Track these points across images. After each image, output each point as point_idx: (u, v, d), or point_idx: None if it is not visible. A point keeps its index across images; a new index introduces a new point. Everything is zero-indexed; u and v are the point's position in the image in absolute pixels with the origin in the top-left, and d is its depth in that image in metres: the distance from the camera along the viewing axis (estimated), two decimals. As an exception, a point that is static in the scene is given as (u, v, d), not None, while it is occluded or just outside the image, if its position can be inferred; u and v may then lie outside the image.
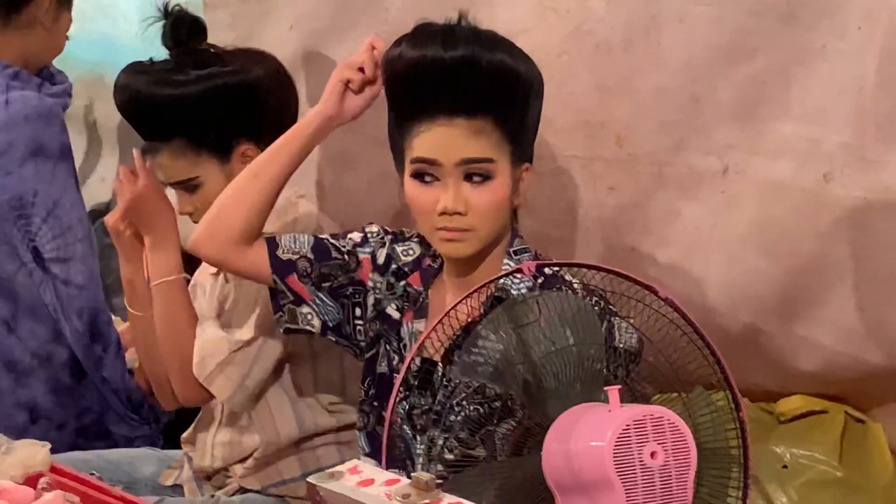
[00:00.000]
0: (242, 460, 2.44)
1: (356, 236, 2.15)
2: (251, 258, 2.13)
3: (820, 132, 2.04)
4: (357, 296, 2.13)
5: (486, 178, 1.95)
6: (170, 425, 2.87)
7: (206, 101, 2.33)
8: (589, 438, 1.58)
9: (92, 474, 2.00)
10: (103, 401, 2.80)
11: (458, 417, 1.87)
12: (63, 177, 2.69)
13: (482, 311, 1.87)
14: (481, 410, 1.84)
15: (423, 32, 1.97)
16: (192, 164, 2.36)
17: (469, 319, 1.86)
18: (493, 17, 2.21)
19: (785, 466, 2.23)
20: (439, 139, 1.96)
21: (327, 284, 2.12)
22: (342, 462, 2.33)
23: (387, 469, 1.72)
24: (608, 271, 1.82)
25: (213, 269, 2.47)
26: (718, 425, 1.74)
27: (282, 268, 2.12)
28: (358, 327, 2.14)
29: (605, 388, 1.63)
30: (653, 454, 1.56)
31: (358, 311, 2.14)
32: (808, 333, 2.15)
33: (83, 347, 2.74)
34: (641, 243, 2.27)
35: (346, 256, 2.12)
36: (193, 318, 2.39)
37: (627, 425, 1.56)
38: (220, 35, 2.80)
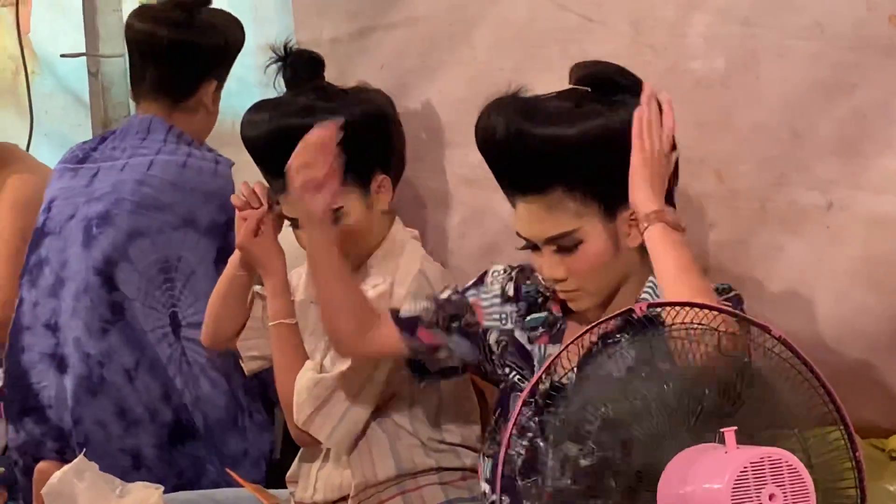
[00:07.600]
0: (343, 499, 2.43)
1: (468, 284, 2.18)
2: (380, 336, 2.19)
3: (926, 167, 2.02)
4: (483, 336, 2.15)
5: (576, 244, 1.97)
6: (275, 464, 2.88)
7: (355, 128, 2.29)
8: (705, 481, 1.56)
9: (202, 515, 2.03)
10: (197, 466, 2.84)
11: (594, 426, 1.85)
12: (203, 250, 2.81)
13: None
14: (623, 407, 1.82)
15: (485, 108, 2.01)
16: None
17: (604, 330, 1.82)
18: (583, 53, 2.21)
19: (898, 505, 2.20)
20: (525, 216, 2.01)
21: (456, 324, 2.15)
22: (447, 502, 2.38)
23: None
24: (719, 310, 1.80)
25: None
26: (834, 465, 1.72)
27: (407, 325, 2.16)
28: (488, 367, 2.17)
29: (721, 430, 1.62)
30: (771, 497, 1.54)
31: (487, 352, 2.16)
32: (920, 369, 2.13)
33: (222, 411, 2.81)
34: (744, 280, 2.25)
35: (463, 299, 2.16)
36: (304, 360, 2.40)
37: (745, 467, 1.54)
38: (314, 75, 2.83)
